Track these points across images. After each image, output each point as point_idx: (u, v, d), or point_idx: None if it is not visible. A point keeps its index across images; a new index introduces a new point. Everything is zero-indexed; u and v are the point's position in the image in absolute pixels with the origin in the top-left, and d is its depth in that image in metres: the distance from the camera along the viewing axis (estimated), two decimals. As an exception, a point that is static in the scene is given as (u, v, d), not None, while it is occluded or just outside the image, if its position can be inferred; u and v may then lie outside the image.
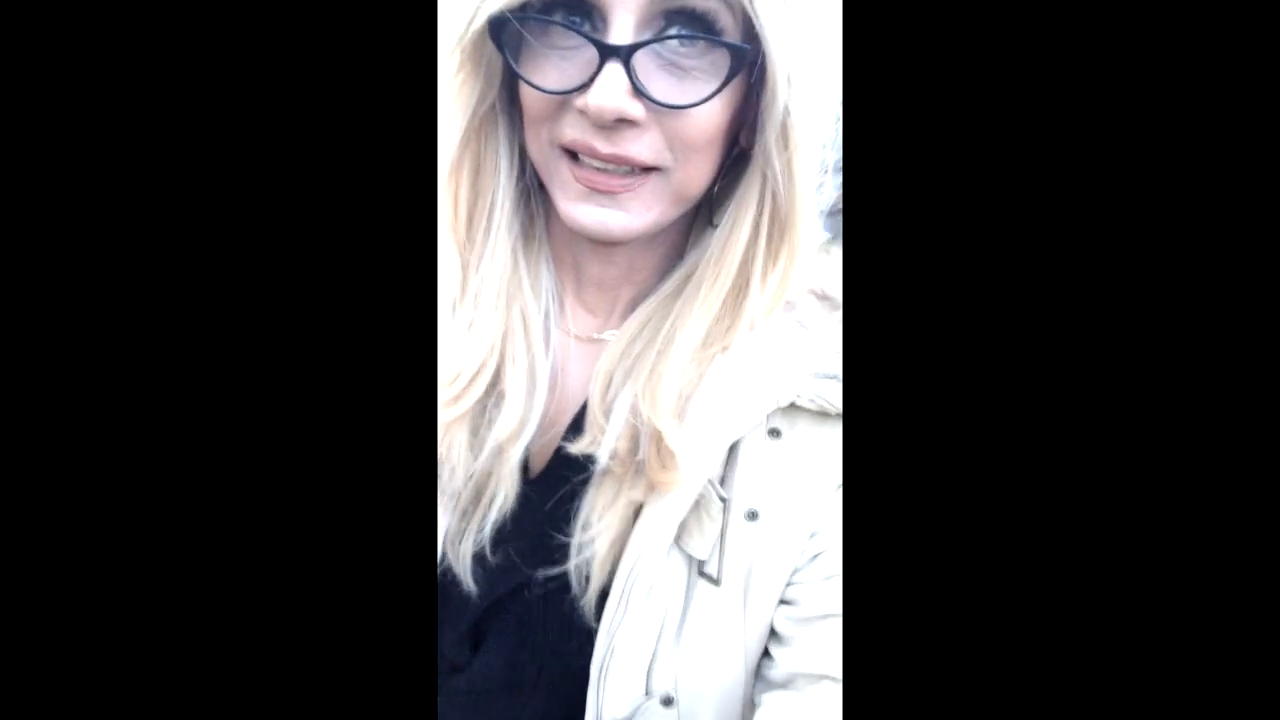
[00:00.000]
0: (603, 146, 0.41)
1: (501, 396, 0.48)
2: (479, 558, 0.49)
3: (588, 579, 0.47)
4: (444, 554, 0.50)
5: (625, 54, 0.39)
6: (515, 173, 0.48)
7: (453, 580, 0.50)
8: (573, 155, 0.43)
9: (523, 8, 0.40)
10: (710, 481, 0.46)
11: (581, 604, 0.47)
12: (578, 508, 0.47)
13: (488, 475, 0.49)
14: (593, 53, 0.39)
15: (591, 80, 0.39)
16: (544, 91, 0.41)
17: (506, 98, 0.45)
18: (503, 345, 0.49)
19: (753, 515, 0.46)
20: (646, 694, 0.46)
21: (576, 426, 0.49)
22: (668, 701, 0.46)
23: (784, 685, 0.46)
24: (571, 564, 0.47)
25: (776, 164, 0.43)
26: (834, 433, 0.46)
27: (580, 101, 0.40)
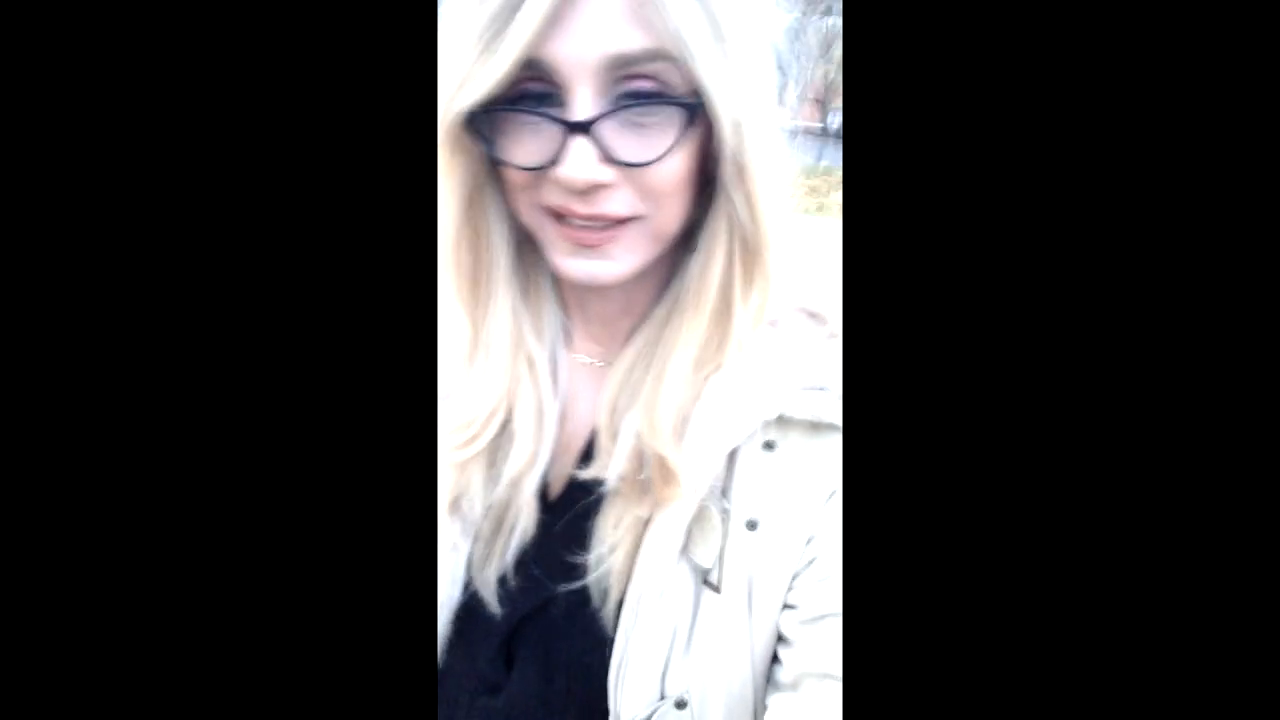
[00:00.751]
0: (581, 208, 0.45)
1: (512, 436, 0.53)
2: (502, 580, 0.53)
3: (606, 591, 0.50)
4: (470, 579, 0.54)
5: (588, 126, 0.42)
6: (509, 235, 0.51)
7: (480, 603, 0.53)
8: (557, 215, 0.46)
9: (491, 99, 0.43)
10: (711, 494, 0.49)
11: (602, 616, 0.50)
12: (593, 527, 0.51)
13: (506, 506, 0.53)
14: (559, 128, 0.42)
15: (561, 154, 0.43)
16: (522, 169, 0.45)
17: (493, 171, 0.49)
18: (512, 391, 0.53)
19: (752, 525, 0.49)
20: (661, 697, 0.48)
21: (589, 452, 0.53)
22: (681, 704, 0.48)
23: (792, 687, 0.48)
24: (591, 578, 0.50)
25: (736, 197, 0.46)
26: (825, 442, 0.49)
27: (554, 173, 0.44)
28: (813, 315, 0.52)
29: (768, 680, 0.50)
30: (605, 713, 0.49)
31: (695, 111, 0.43)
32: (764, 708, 0.49)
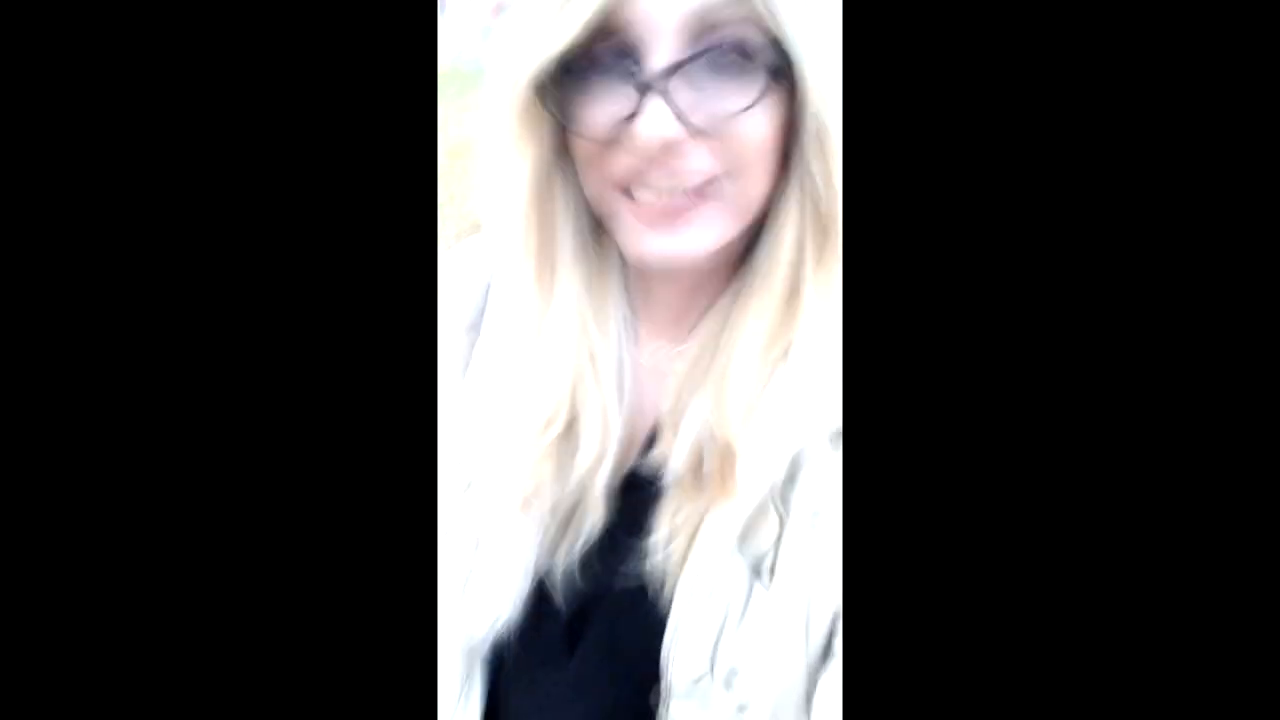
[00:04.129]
0: (659, 172, 0.44)
1: (578, 435, 0.52)
2: (567, 571, 0.53)
3: (663, 580, 0.50)
4: (536, 570, 0.54)
5: (663, 83, 0.41)
6: (576, 221, 0.50)
7: (545, 591, 0.54)
8: (628, 193, 0.45)
9: (562, 66, 0.42)
10: (771, 489, 0.48)
11: (660, 602, 0.50)
12: (652, 517, 0.50)
13: (575, 503, 0.53)
14: (632, 89, 0.41)
15: (636, 115, 0.42)
16: (594, 139, 0.44)
17: (559, 151, 0.48)
18: (576, 387, 0.52)
19: (815, 515, 0.48)
20: (711, 675, 0.49)
21: (650, 441, 0.53)
22: (729, 683, 0.48)
23: None
24: (649, 568, 0.50)
25: (815, 171, 0.44)
26: None
27: (630, 137, 0.42)
28: None
29: (822, 659, 0.49)
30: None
31: (776, 75, 0.42)
32: (815, 687, 0.49)
